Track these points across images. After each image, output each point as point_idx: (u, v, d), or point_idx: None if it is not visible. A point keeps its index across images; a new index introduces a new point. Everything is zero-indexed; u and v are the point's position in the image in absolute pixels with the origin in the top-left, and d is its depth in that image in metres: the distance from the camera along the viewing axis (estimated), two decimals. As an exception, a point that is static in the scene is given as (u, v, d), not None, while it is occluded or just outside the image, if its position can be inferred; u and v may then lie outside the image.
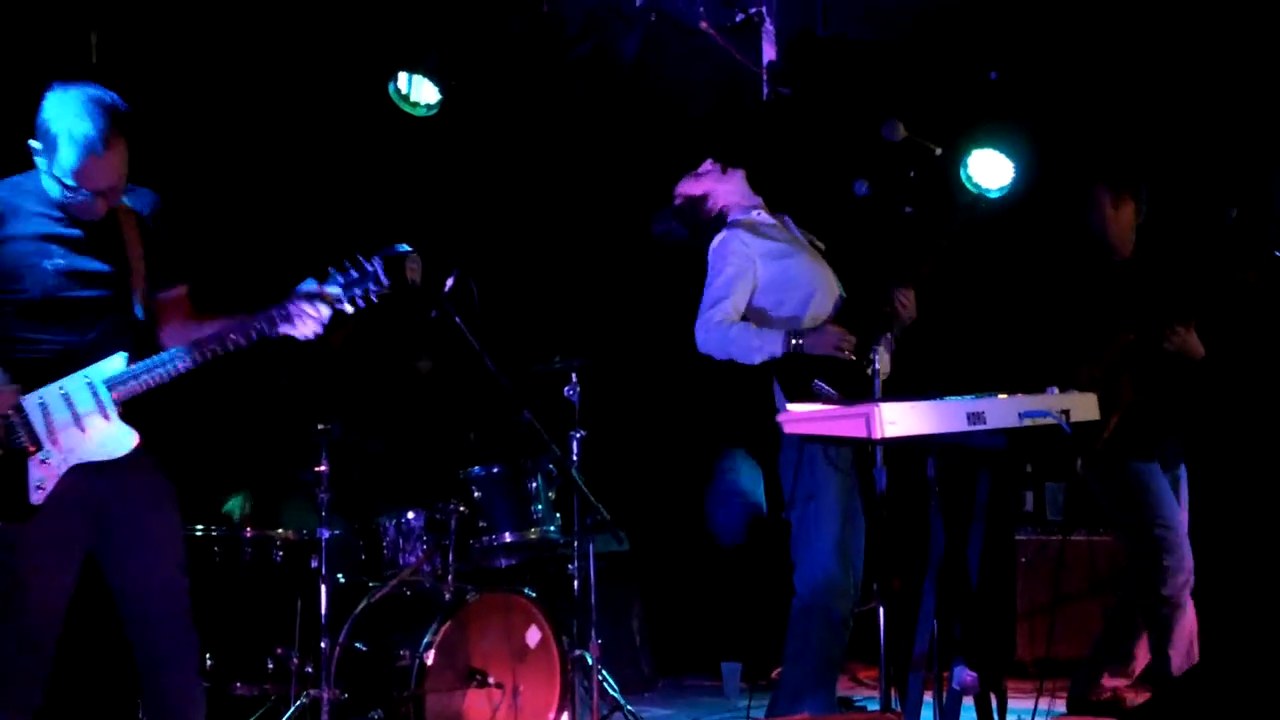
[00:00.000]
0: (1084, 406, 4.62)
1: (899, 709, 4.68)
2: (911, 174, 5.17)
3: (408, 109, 6.75)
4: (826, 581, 5.40)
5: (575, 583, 5.98)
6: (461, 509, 5.79)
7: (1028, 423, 4.39)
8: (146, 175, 6.43)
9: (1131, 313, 5.99)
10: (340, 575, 5.76)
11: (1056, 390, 4.60)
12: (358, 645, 5.56)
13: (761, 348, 5.38)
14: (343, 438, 5.57)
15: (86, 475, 4.07)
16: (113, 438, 4.08)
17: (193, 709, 4.29)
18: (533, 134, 7.63)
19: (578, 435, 5.98)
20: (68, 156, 3.98)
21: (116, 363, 4.10)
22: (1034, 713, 5.32)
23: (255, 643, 5.55)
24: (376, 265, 4.20)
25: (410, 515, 5.84)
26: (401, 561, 5.82)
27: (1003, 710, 5.62)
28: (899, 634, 4.81)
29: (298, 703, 5.43)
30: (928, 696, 4.66)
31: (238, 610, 5.56)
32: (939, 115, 6.59)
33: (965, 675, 4.31)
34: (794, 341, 5.29)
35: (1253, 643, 6.11)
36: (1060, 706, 6.21)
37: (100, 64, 6.28)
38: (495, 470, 5.96)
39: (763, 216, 5.69)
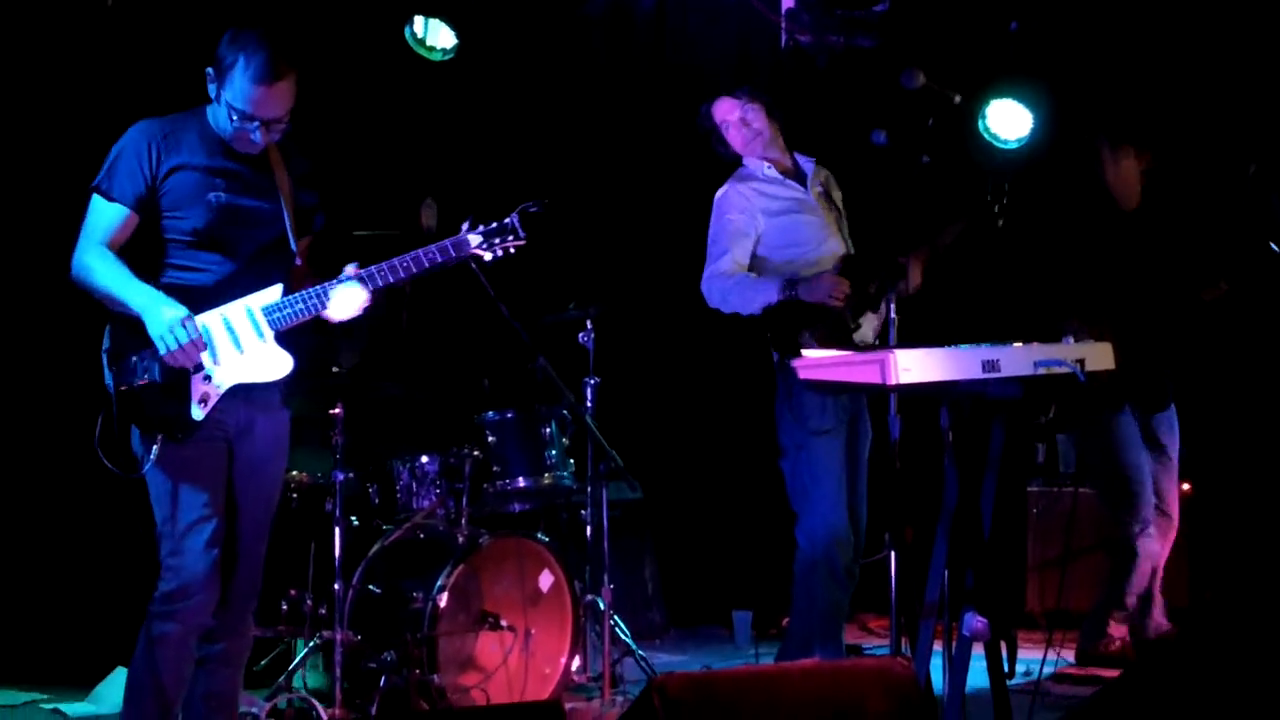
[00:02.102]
0: (1099, 356, 4.60)
1: (909, 656, 4.70)
2: (930, 122, 5.14)
3: (424, 54, 6.73)
4: (827, 533, 5.42)
5: (588, 528, 6.00)
6: (475, 454, 5.80)
7: (1042, 371, 4.37)
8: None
9: (1136, 263, 5.99)
10: (354, 518, 5.78)
11: (1072, 339, 4.59)
12: (371, 588, 5.58)
13: (757, 297, 5.42)
14: (358, 382, 5.58)
15: (237, 398, 4.25)
16: (271, 362, 4.27)
17: (239, 647, 4.43)
18: (549, 81, 7.60)
19: (592, 382, 5.99)
20: (241, 84, 4.15)
21: (274, 293, 4.27)
22: (1043, 663, 5.34)
23: (269, 585, 5.54)
24: (514, 220, 4.38)
25: (424, 459, 5.86)
26: (415, 505, 5.84)
27: (1012, 658, 5.67)
28: (909, 583, 4.82)
29: (311, 644, 5.47)
30: (937, 645, 4.68)
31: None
32: (958, 65, 6.56)
33: (975, 622, 4.32)
34: (790, 290, 5.31)
35: (1229, 614, 6.16)
36: (1070, 658, 6.24)
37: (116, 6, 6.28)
38: (509, 416, 5.97)
39: (771, 173, 5.68)
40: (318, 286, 4.29)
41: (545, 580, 5.64)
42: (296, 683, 5.45)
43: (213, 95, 4.23)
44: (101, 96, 6.33)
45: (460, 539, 5.56)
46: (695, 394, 7.91)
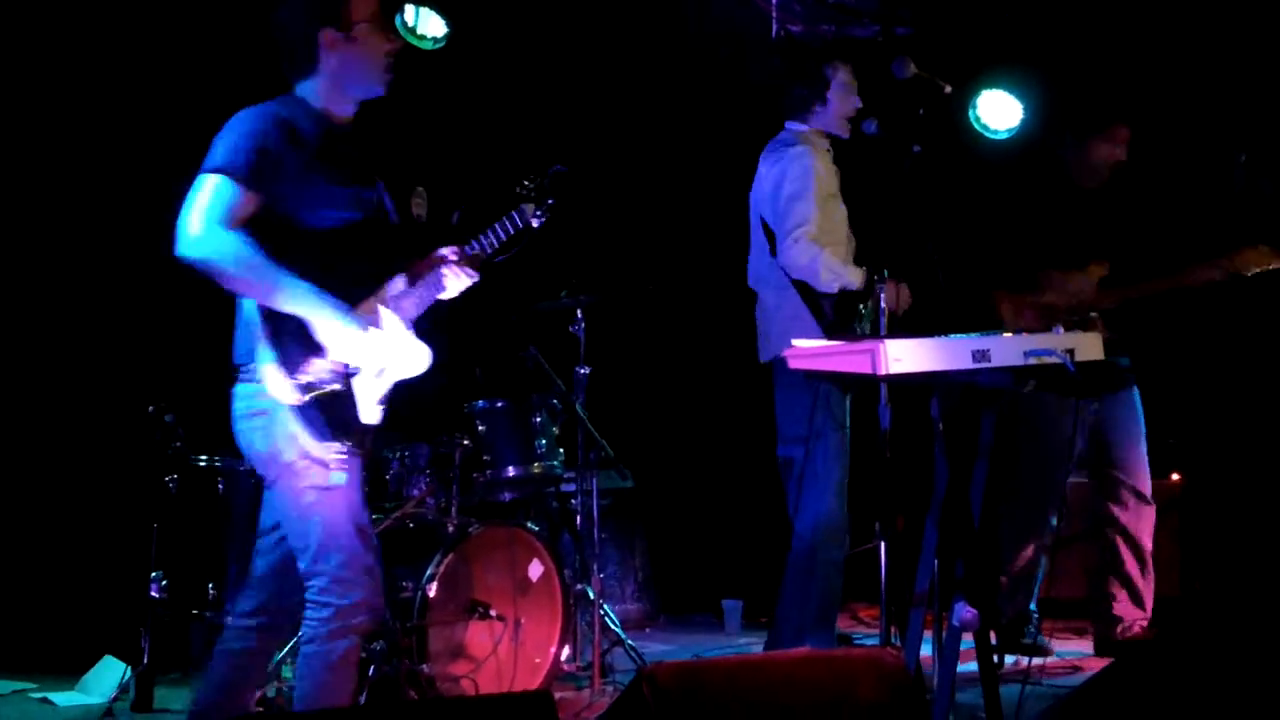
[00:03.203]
0: (1089, 346, 4.60)
1: (899, 645, 4.70)
2: (921, 111, 5.14)
3: (414, 42, 6.70)
4: (828, 523, 5.45)
5: (578, 517, 6.00)
6: (466, 443, 5.79)
7: (1032, 361, 4.37)
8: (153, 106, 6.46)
9: (1079, 238, 5.99)
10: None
11: (1062, 329, 4.59)
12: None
13: (842, 278, 5.40)
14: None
15: None
16: (415, 355, 4.12)
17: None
18: (539, 71, 7.58)
19: (583, 371, 5.99)
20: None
21: (400, 284, 4.15)
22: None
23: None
24: (548, 183, 4.40)
25: (415, 448, 5.85)
26: (405, 494, 5.83)
27: (1001, 648, 5.68)
28: (900, 572, 4.83)
29: (299, 633, 5.45)
30: (927, 634, 4.68)
31: (239, 541, 5.57)
32: (950, 55, 6.57)
33: (965, 612, 4.32)
34: (876, 281, 5.22)
35: (1215, 606, 6.18)
36: (1060, 645, 6.25)
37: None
38: (500, 405, 5.96)
39: (829, 151, 5.68)
40: (433, 272, 4.16)
41: (535, 569, 5.64)
42: (285, 672, 5.44)
43: (328, 67, 4.02)
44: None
45: (450, 528, 5.55)
46: (686, 383, 7.91)
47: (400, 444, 5.87)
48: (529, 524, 5.76)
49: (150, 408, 5.65)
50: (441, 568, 5.37)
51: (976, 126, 6.92)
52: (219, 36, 6.45)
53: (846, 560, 5.61)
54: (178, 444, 5.67)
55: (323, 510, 3.91)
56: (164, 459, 5.68)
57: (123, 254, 6.41)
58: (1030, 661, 5.32)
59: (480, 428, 5.92)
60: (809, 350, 4.39)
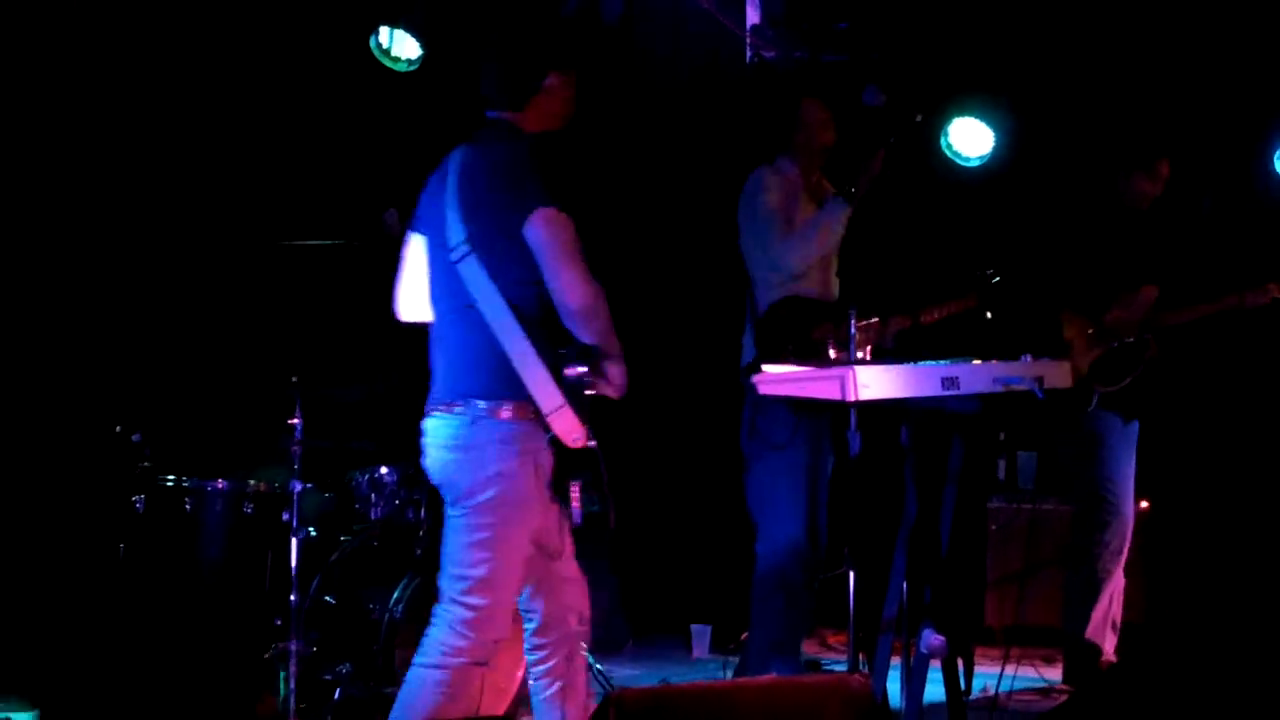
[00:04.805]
0: (1057, 374, 4.63)
1: (866, 672, 4.70)
2: (891, 140, 5.18)
3: (389, 64, 6.70)
4: (789, 547, 5.42)
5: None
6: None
7: (1002, 388, 4.39)
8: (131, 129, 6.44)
9: (1139, 261, 6.04)
10: (311, 529, 5.74)
11: (1030, 357, 4.61)
12: (328, 599, 5.55)
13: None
14: (316, 390, 5.55)
15: None
16: None
17: None
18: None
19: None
20: None
21: None
22: (1000, 679, 5.36)
23: (225, 594, 5.54)
24: None
25: (383, 470, 5.82)
26: (374, 515, 5.81)
27: (969, 675, 5.69)
28: (868, 598, 4.83)
29: (266, 655, 5.43)
30: (895, 660, 4.69)
31: (208, 561, 5.56)
32: (921, 82, 6.60)
33: (932, 639, 4.33)
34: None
35: (1174, 643, 6.20)
36: (1028, 672, 6.25)
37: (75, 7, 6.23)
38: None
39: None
40: None
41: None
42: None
43: None
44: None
45: (418, 550, 5.53)
46: (655, 406, 7.89)
47: (368, 464, 5.85)
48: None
49: (117, 427, 5.62)
50: (409, 590, 5.35)
51: (948, 154, 6.94)
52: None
53: (818, 584, 5.60)
54: (145, 463, 5.65)
55: None
56: (130, 478, 5.65)
57: (88, 271, 6.38)
58: (998, 689, 5.32)
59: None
60: (778, 376, 4.41)
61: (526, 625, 4.27)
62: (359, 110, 7.00)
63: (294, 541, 5.34)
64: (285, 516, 5.47)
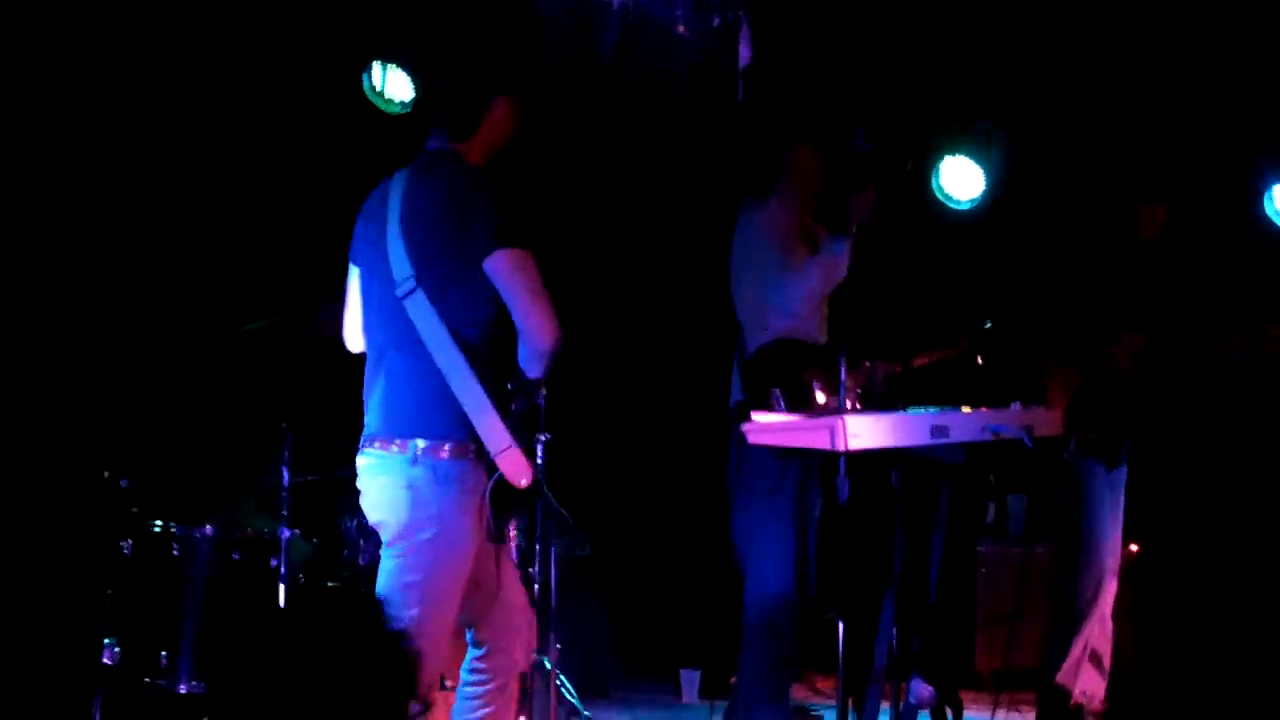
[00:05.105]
0: (1047, 422, 4.63)
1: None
2: (882, 188, 5.19)
3: (381, 105, 6.71)
4: (778, 592, 5.38)
5: (536, 586, 5.96)
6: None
7: (991, 437, 4.39)
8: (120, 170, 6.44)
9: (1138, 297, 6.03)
10: (300, 575, 5.73)
11: (1020, 405, 4.61)
12: (316, 644, 5.52)
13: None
14: (306, 437, 5.54)
15: None
16: None
17: None
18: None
19: (543, 439, 5.95)
20: None
21: None
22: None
23: (212, 640, 5.51)
24: None
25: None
26: (362, 561, 5.79)
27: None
28: (857, 644, 4.81)
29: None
30: (885, 706, 4.67)
31: (195, 608, 5.53)
32: (911, 123, 6.62)
33: (921, 689, 4.32)
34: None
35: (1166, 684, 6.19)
36: (1016, 718, 6.23)
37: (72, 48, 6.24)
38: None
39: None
40: None
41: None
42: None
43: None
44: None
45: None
46: (646, 447, 7.89)
47: (357, 510, 5.81)
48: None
49: (105, 472, 5.60)
50: (397, 637, 5.33)
51: (939, 196, 6.96)
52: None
53: (807, 630, 5.58)
54: (133, 508, 5.62)
55: None
56: (118, 523, 5.62)
57: (78, 316, 6.37)
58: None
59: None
60: (767, 425, 4.40)
61: (471, 649, 4.18)
62: (351, 153, 7.01)
63: (281, 588, 5.32)
64: (274, 563, 5.46)
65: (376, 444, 3.98)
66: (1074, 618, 6.00)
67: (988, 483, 7.52)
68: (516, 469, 3.88)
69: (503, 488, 3.91)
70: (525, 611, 4.21)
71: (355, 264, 4.18)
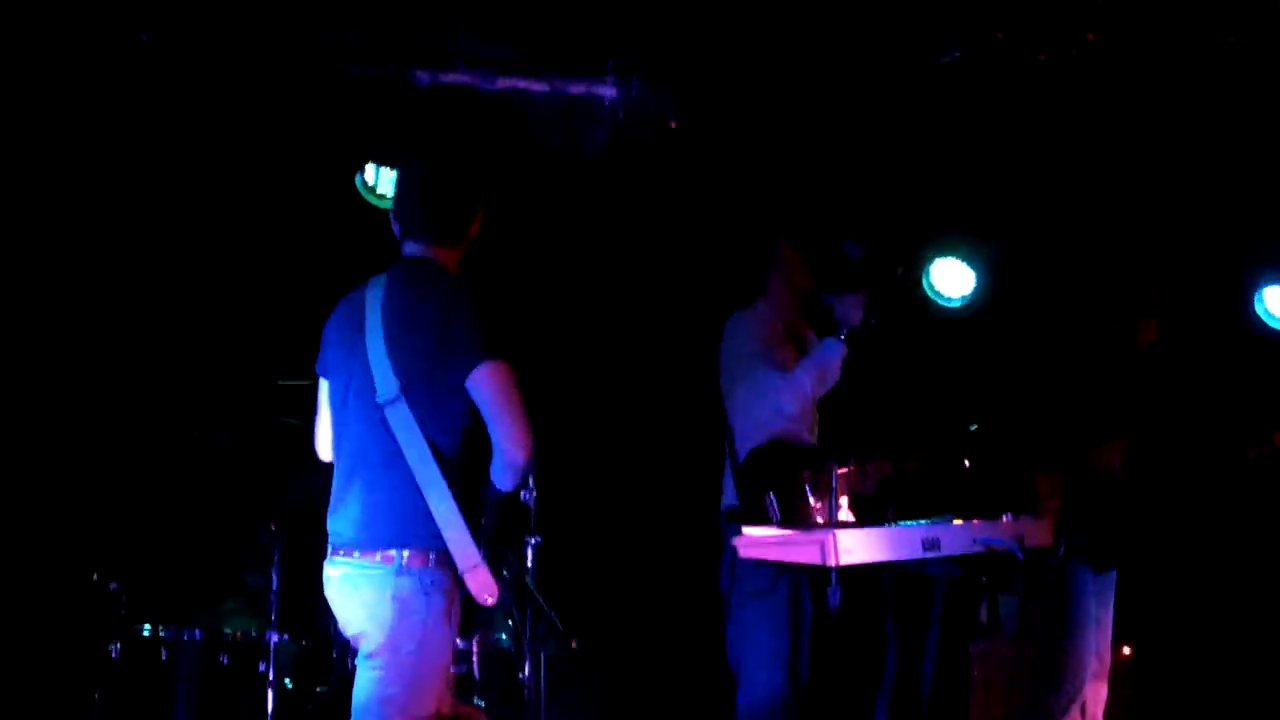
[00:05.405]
0: (1038, 532, 4.63)
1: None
2: (873, 293, 5.20)
3: (374, 201, 6.73)
4: (771, 698, 5.33)
5: (525, 690, 5.92)
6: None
7: (982, 549, 4.39)
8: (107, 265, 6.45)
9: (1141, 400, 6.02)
10: (288, 680, 5.69)
11: (1011, 516, 4.61)
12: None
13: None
14: (295, 541, 5.53)
15: None
16: None
17: None
18: (500, 231, 7.60)
19: (533, 541, 5.94)
20: None
21: None
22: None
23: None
24: None
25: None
26: (350, 665, 5.74)
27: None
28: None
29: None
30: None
31: (183, 711, 5.50)
32: (900, 228, 6.64)
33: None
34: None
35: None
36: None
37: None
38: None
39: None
40: None
41: (483, 747, 5.56)
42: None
43: None
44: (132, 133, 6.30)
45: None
46: (638, 551, 7.85)
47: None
48: (475, 700, 5.68)
49: (94, 575, 5.59)
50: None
51: (930, 295, 6.97)
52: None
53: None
54: (121, 611, 5.60)
55: None
56: (107, 626, 5.60)
57: (64, 414, 6.38)
58: None
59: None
60: (759, 539, 4.39)
61: None
62: (344, 248, 7.03)
63: (270, 694, 5.29)
64: (261, 668, 5.43)
65: (355, 554, 3.94)
66: None
67: (979, 583, 7.49)
68: (483, 587, 3.87)
69: (468, 604, 3.93)
70: None
71: (325, 376, 4.19)
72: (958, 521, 4.40)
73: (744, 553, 4.40)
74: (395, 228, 4.17)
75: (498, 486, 3.93)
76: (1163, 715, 6.97)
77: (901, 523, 4.36)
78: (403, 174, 4.28)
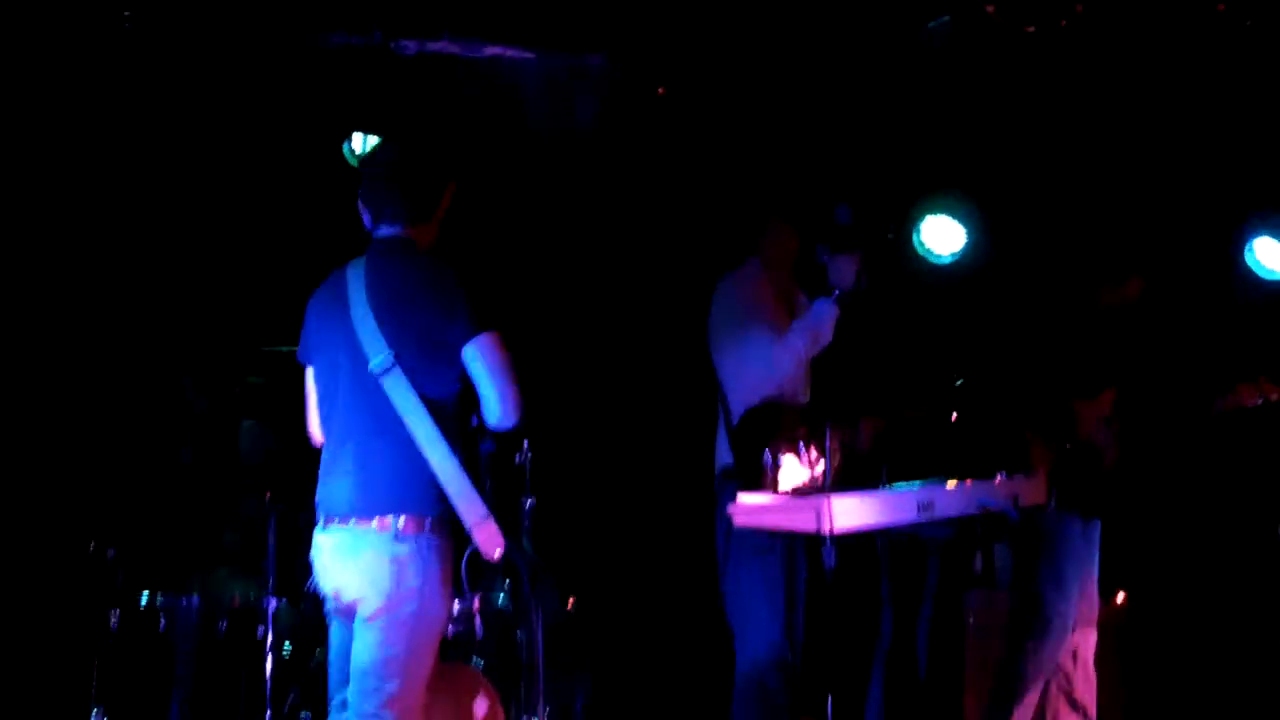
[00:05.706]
0: (1032, 490, 4.65)
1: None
2: (861, 255, 5.20)
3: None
4: (769, 656, 5.37)
5: (522, 650, 5.95)
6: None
7: (977, 510, 4.42)
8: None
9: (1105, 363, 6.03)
10: (287, 644, 5.72)
11: (1005, 475, 4.63)
12: (303, 715, 5.52)
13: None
14: (292, 508, 5.54)
15: None
16: None
17: None
18: (487, 199, 7.58)
19: (529, 502, 5.96)
20: None
21: None
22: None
23: (200, 712, 5.52)
24: None
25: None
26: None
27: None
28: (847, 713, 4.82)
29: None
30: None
31: (182, 679, 5.53)
32: (891, 182, 6.63)
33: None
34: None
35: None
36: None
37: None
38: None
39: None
40: None
41: (480, 707, 5.57)
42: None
43: None
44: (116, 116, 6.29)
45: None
46: (633, 512, 7.87)
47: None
48: (475, 658, 5.71)
49: (91, 544, 5.60)
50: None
51: (920, 252, 6.96)
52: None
53: (797, 690, 5.56)
54: (119, 580, 5.62)
55: None
56: (105, 595, 5.62)
57: (62, 382, 6.38)
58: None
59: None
60: (753, 506, 4.41)
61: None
62: (331, 217, 7.01)
63: (269, 659, 5.32)
64: (260, 633, 5.46)
65: (351, 521, 4.01)
66: (1022, 680, 5.92)
67: (974, 533, 7.52)
68: (491, 541, 3.96)
69: (475, 560, 3.99)
70: None
71: (309, 362, 4.26)
72: (952, 483, 4.42)
73: (740, 520, 4.42)
74: (365, 216, 4.22)
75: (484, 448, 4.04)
76: (1150, 660, 7.02)
77: (896, 485, 4.37)
78: (367, 161, 4.36)
